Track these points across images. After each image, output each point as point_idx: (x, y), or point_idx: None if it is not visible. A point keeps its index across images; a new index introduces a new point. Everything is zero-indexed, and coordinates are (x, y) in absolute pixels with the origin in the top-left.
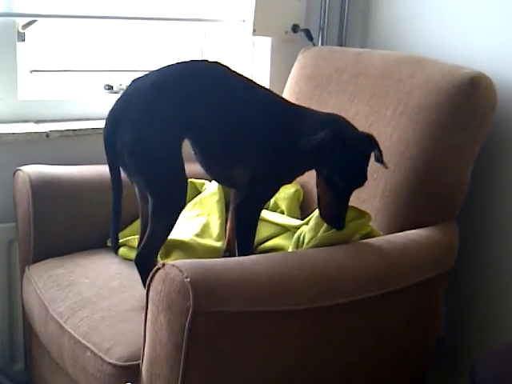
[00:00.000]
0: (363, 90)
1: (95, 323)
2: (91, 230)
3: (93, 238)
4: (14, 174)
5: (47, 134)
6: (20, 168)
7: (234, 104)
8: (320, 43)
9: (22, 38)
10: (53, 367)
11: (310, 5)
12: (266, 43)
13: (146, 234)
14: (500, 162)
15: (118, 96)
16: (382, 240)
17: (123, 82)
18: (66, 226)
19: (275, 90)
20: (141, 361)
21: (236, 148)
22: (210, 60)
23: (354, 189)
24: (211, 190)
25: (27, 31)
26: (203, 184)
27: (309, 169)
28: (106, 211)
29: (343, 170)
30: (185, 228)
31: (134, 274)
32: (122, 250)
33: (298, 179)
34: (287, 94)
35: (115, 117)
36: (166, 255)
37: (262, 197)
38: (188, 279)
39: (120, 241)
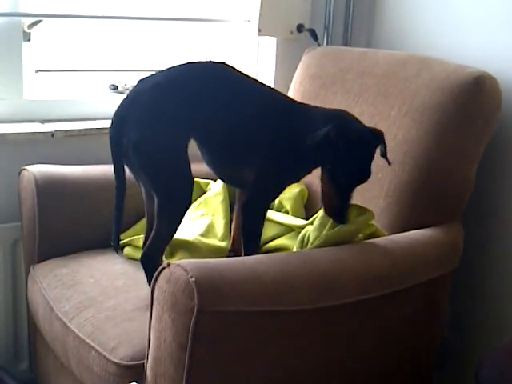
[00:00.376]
0: (368, 90)
1: (100, 322)
2: (96, 229)
3: (97, 238)
4: (19, 174)
5: (52, 134)
6: (25, 168)
7: (240, 104)
8: (325, 43)
9: (27, 37)
10: (57, 366)
11: (314, 5)
12: (271, 43)
13: (152, 234)
14: (505, 161)
15: (123, 96)
16: (386, 240)
17: (128, 82)
18: (71, 225)
19: (280, 90)
20: (145, 360)
21: (242, 147)
22: (216, 61)
23: (357, 184)
24: (216, 189)
25: (33, 31)
26: (208, 184)
27: (315, 167)
28: (111, 211)
29: (347, 165)
30: (189, 228)
31: (139, 274)
32: (126, 250)
33: (302, 179)
34: (292, 94)
35: (121, 116)
36: (171, 255)
37: (268, 195)
38: (193, 279)
39: (125, 240)
